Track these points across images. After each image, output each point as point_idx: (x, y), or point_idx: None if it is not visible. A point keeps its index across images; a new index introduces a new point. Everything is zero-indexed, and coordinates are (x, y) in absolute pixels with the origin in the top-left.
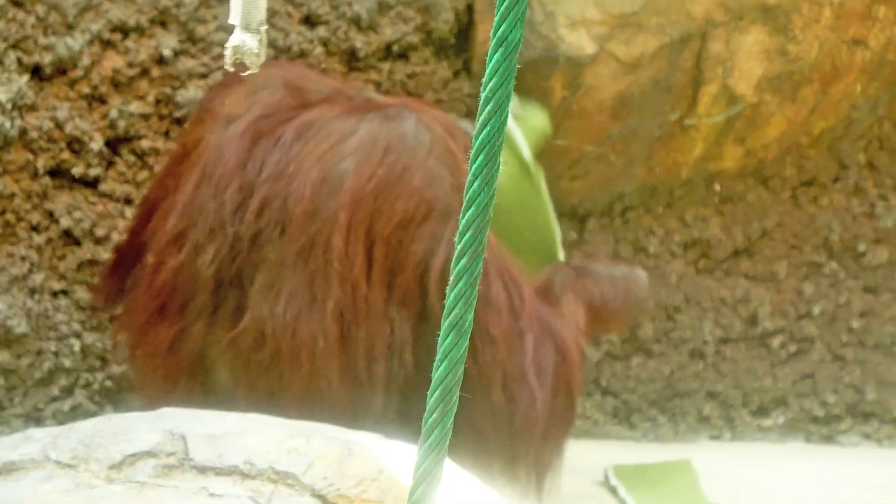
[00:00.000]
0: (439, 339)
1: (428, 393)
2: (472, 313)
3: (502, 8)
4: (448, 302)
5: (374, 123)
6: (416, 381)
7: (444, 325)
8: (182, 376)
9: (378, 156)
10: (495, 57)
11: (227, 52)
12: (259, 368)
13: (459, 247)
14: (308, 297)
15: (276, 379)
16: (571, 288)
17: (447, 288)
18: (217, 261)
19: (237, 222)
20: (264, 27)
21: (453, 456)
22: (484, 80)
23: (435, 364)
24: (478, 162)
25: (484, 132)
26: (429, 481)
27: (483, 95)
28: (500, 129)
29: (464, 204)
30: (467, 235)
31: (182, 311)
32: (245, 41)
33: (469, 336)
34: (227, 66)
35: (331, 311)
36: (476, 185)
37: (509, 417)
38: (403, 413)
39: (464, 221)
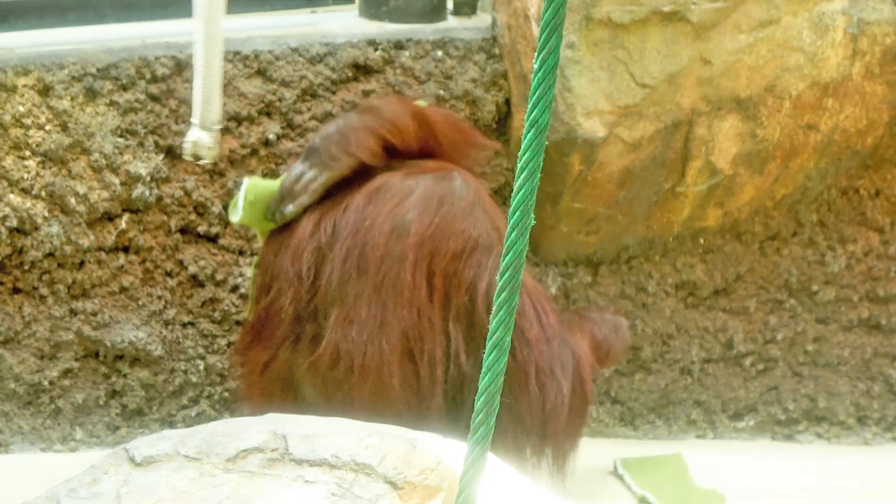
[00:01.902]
0: (484, 356)
1: (475, 398)
2: (510, 336)
3: (534, 97)
4: (491, 327)
5: (429, 183)
6: (469, 377)
7: (488, 344)
8: (275, 391)
9: (434, 207)
10: (528, 136)
11: (186, 147)
12: (334, 384)
13: (500, 283)
14: (379, 321)
15: (348, 391)
16: (576, 326)
17: (490, 316)
18: (294, 303)
19: (311, 276)
20: (218, 126)
21: (497, 440)
22: (519, 154)
23: (481, 375)
24: (515, 217)
25: (520, 194)
26: (476, 469)
27: (519, 166)
28: (532, 191)
29: (504, 250)
30: (507, 275)
31: (270, 340)
32: (201, 137)
33: (507, 354)
34: (186, 157)
35: (398, 331)
36: (514, 235)
37: (542, 404)
38: (455, 410)
39: (504, 263)
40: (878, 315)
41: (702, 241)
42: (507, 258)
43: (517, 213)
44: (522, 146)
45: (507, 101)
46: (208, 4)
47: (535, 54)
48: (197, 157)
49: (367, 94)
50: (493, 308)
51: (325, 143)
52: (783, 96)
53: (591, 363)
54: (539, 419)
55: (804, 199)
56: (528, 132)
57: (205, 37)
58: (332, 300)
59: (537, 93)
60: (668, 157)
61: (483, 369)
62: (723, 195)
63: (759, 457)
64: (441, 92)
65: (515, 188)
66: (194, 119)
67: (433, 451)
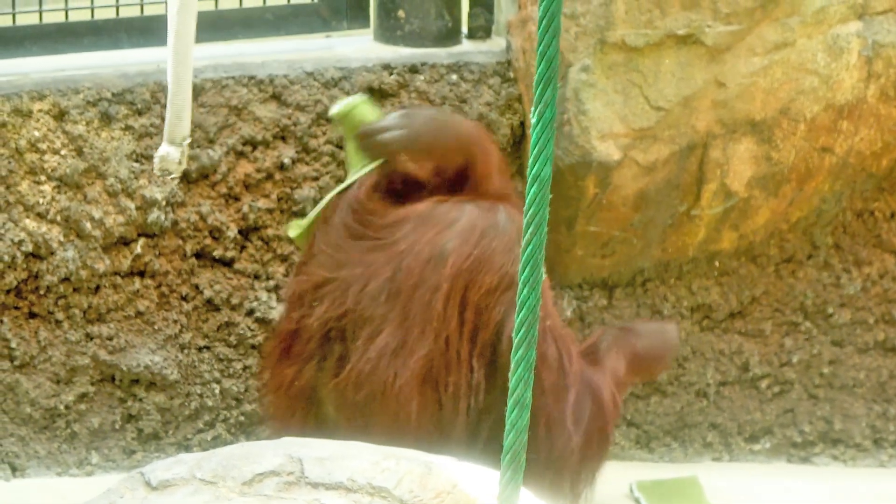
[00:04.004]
0: (507, 413)
1: (501, 457)
2: (531, 392)
3: (535, 151)
4: (511, 384)
5: (473, 214)
6: (486, 413)
7: (510, 402)
8: (299, 408)
9: (475, 239)
10: (532, 190)
11: (155, 161)
12: (356, 407)
13: (517, 340)
14: (406, 348)
15: (370, 415)
16: (616, 344)
17: (509, 373)
18: (323, 319)
19: (344, 294)
20: (187, 141)
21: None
22: (524, 209)
23: (505, 433)
24: (525, 273)
25: (528, 249)
26: None
27: (525, 221)
28: (540, 245)
29: (517, 307)
30: (521, 331)
31: (298, 356)
32: (169, 153)
33: (528, 410)
34: (155, 171)
35: (423, 359)
36: (525, 291)
37: (548, 451)
38: (471, 443)
39: (518, 320)
40: (893, 337)
41: (717, 263)
42: (521, 315)
43: (527, 269)
44: (527, 201)
45: (522, 125)
46: (179, 23)
47: (532, 108)
48: (166, 172)
49: None
50: (512, 365)
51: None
52: (798, 119)
53: (615, 403)
54: (545, 463)
55: (819, 221)
56: (532, 187)
57: (175, 55)
58: (362, 322)
59: (537, 147)
60: (683, 180)
61: (507, 427)
62: (738, 218)
63: (775, 479)
64: None
65: (524, 243)
66: (164, 134)
67: (449, 474)
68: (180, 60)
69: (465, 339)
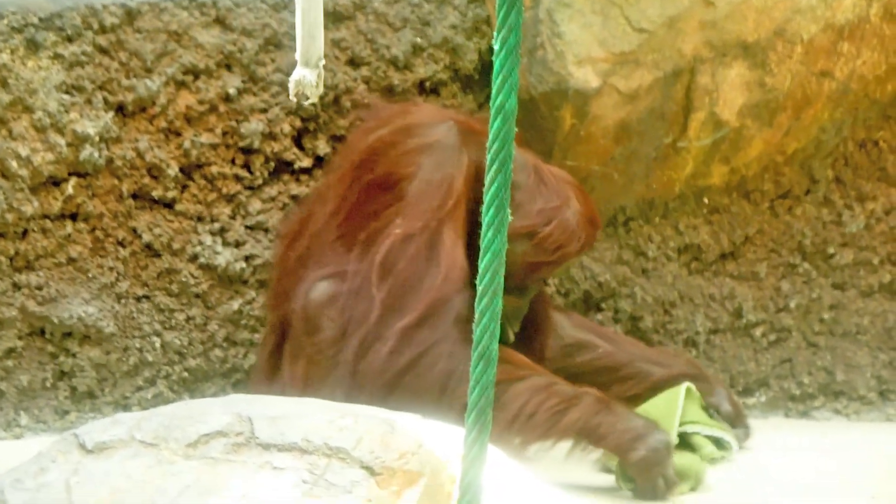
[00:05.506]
0: (471, 368)
1: (466, 416)
2: (497, 344)
3: (497, 81)
4: (476, 336)
5: (423, 114)
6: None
7: (474, 355)
8: None
9: (394, 128)
10: (496, 124)
11: (291, 85)
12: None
13: (481, 288)
14: (311, 223)
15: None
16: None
17: (474, 324)
18: None
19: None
20: (322, 62)
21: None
22: (488, 144)
23: (469, 390)
24: (490, 214)
25: (493, 188)
26: (475, 471)
27: (489, 157)
28: (505, 184)
29: (481, 251)
30: (486, 277)
31: None
32: (305, 75)
33: (495, 364)
34: (291, 97)
35: (310, 234)
36: (490, 234)
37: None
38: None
39: (482, 266)
40: None
41: (706, 200)
42: (486, 259)
43: (492, 210)
44: (490, 136)
45: (491, 49)
46: None
47: (495, 33)
48: (302, 97)
49: (336, 43)
50: (476, 315)
51: None
52: (794, 40)
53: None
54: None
55: (818, 153)
56: (495, 120)
57: None
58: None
59: (501, 75)
60: (669, 109)
61: (471, 383)
62: (729, 150)
63: (773, 435)
64: (418, 40)
65: (487, 182)
66: (297, 56)
67: (413, 432)
68: None
69: (339, 219)
